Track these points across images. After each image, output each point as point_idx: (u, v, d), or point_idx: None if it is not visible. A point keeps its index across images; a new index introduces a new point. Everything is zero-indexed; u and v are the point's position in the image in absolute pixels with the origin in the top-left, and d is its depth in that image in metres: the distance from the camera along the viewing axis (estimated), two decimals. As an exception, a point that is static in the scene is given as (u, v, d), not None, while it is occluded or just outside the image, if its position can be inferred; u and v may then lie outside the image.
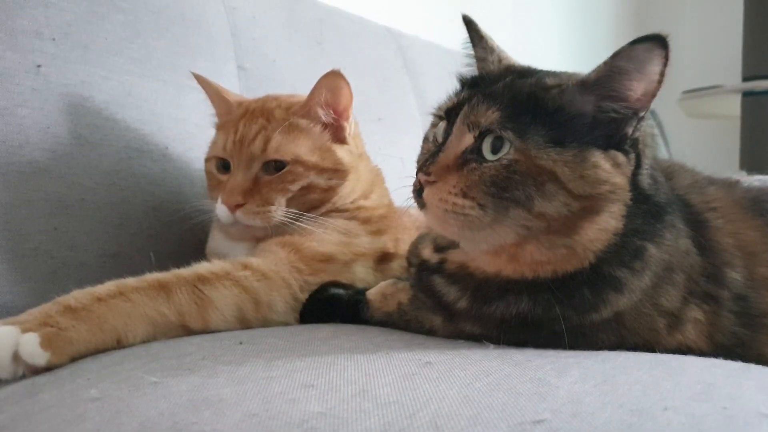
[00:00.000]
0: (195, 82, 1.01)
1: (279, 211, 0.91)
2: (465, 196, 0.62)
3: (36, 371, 0.63)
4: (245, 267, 0.82)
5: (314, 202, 0.95)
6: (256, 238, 0.93)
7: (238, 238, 0.96)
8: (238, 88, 1.21)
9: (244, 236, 0.94)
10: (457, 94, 0.71)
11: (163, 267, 0.78)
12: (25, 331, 0.62)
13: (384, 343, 0.65)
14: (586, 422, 0.44)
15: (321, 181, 0.94)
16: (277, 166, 0.92)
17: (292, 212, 0.91)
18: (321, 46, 1.43)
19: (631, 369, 0.56)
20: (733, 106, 2.59)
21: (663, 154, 2.25)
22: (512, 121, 0.62)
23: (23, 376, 0.63)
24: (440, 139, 0.68)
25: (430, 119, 0.74)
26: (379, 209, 1.00)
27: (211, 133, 1.01)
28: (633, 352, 0.64)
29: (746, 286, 0.70)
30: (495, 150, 0.63)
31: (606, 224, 0.63)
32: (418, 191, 0.65)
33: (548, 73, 0.69)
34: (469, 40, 0.77)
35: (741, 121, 2.56)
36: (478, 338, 0.68)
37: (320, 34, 1.44)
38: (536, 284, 0.65)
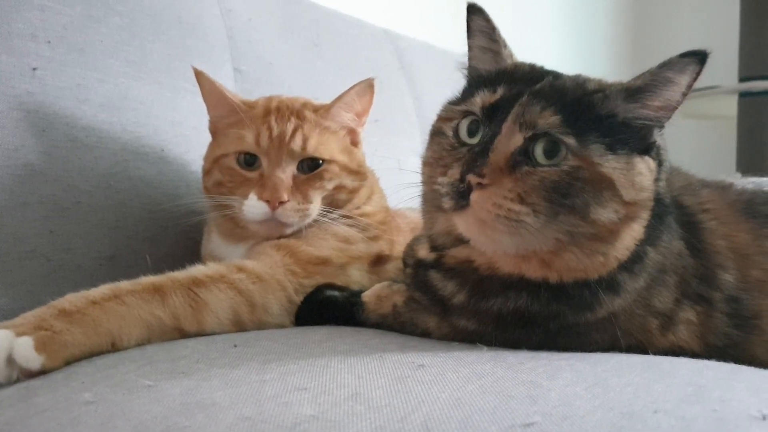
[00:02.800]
0: (191, 84, 1.01)
1: (315, 209, 0.92)
2: (522, 201, 0.59)
3: (30, 375, 0.63)
4: (240, 270, 0.82)
5: (340, 203, 0.96)
6: (274, 237, 0.93)
7: (244, 237, 0.95)
8: (235, 90, 1.21)
9: (272, 234, 0.92)
10: (488, 89, 0.66)
11: (159, 269, 0.78)
12: (19, 334, 0.62)
13: (378, 345, 0.66)
14: (576, 425, 0.44)
15: (348, 182, 0.97)
16: (311, 165, 0.93)
17: (325, 210, 0.93)
18: (318, 48, 1.43)
19: (623, 371, 0.57)
20: (730, 106, 2.60)
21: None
22: (571, 125, 0.61)
23: (18, 380, 0.63)
24: (477, 138, 0.64)
25: (437, 114, 0.72)
26: (378, 214, 1.01)
27: (208, 135, 1.01)
28: (625, 355, 0.64)
29: (739, 288, 0.70)
30: (550, 154, 0.61)
31: (638, 232, 0.64)
32: (461, 193, 0.61)
33: (577, 77, 0.68)
34: (478, 29, 0.72)
35: (738, 121, 2.56)
36: (471, 335, 0.68)
37: (317, 36, 1.45)
38: (540, 283, 0.65)
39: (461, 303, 0.69)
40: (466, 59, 0.74)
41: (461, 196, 0.61)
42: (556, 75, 0.68)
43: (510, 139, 0.61)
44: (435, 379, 0.53)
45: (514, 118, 0.62)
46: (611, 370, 0.57)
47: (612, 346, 0.66)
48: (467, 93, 0.69)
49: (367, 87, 0.98)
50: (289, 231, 0.92)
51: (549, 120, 0.61)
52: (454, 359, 0.60)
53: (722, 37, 2.62)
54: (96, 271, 0.95)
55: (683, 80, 0.62)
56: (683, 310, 0.68)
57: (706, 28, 2.93)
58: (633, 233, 0.63)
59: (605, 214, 0.60)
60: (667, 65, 0.62)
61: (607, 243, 0.62)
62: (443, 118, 0.70)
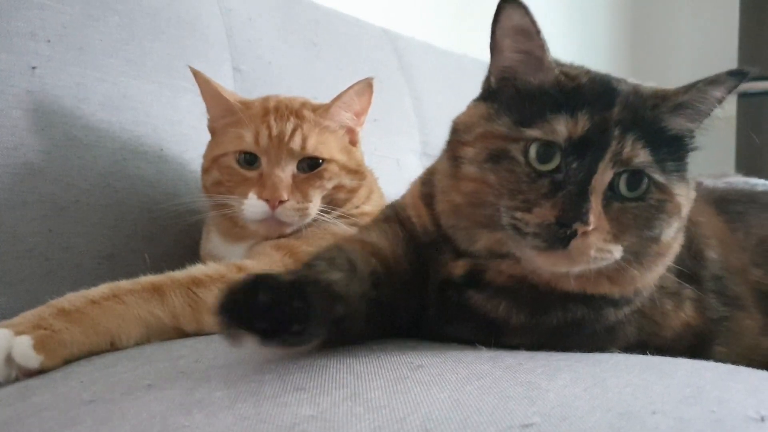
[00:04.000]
0: (191, 84, 1.01)
1: (315, 208, 0.92)
2: (616, 240, 0.59)
3: (29, 374, 0.63)
4: (240, 269, 0.82)
5: (340, 202, 0.96)
6: (274, 237, 0.93)
7: (243, 237, 0.95)
8: (234, 89, 1.21)
9: (272, 234, 0.92)
10: (566, 114, 0.60)
11: (158, 268, 0.78)
12: (18, 333, 0.63)
13: (376, 346, 0.65)
14: (574, 426, 0.44)
15: (347, 181, 0.97)
16: (311, 164, 0.93)
17: (325, 210, 0.93)
18: (317, 47, 1.43)
19: (622, 372, 0.57)
20: (729, 107, 2.59)
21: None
22: (655, 156, 0.60)
23: (17, 379, 0.63)
24: (551, 165, 0.60)
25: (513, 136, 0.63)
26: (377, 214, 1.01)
27: (207, 134, 1.01)
28: (624, 355, 0.64)
29: (722, 268, 0.73)
30: (632, 187, 0.60)
31: (681, 240, 0.66)
32: (559, 238, 0.58)
33: (637, 88, 0.65)
34: (516, 27, 0.64)
35: (736, 122, 2.56)
36: (515, 348, 0.66)
37: (316, 36, 1.45)
38: (598, 294, 0.65)
39: (521, 323, 0.66)
40: (519, 54, 0.66)
41: (559, 241, 0.58)
42: (621, 90, 0.64)
43: (603, 177, 0.59)
44: (434, 380, 0.53)
45: (611, 156, 0.59)
46: (610, 370, 0.57)
47: (637, 336, 0.68)
48: (527, 111, 0.63)
49: (366, 86, 0.98)
50: (289, 230, 0.92)
51: (642, 157, 0.60)
52: (452, 360, 0.60)
53: (721, 37, 2.63)
54: (95, 270, 0.95)
55: (723, 96, 0.63)
56: (684, 288, 0.70)
57: (706, 28, 2.94)
58: (679, 242, 0.66)
59: (671, 234, 0.63)
60: (715, 83, 0.62)
61: (665, 257, 0.65)
62: (506, 137, 0.62)
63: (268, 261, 0.86)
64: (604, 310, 0.66)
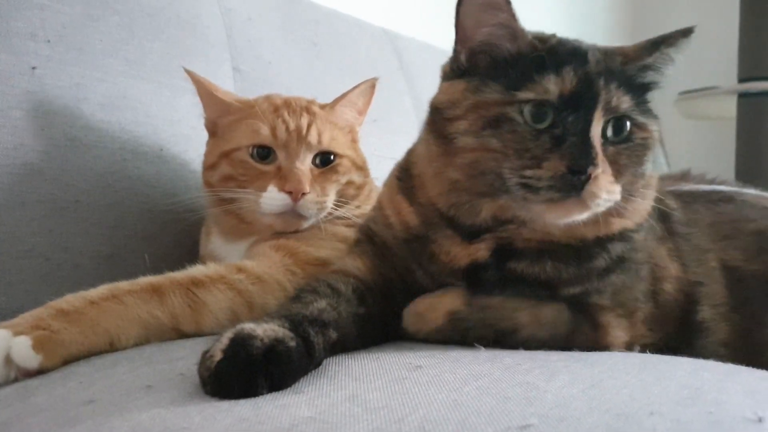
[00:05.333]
0: (190, 84, 1.01)
1: (330, 202, 0.94)
2: (616, 181, 0.64)
3: (28, 374, 0.63)
4: (240, 270, 0.82)
5: (349, 197, 0.98)
6: (283, 234, 0.93)
7: (247, 233, 0.95)
8: (234, 89, 1.21)
9: (288, 227, 0.93)
10: (551, 74, 0.64)
11: (157, 269, 0.78)
12: (17, 334, 0.63)
13: (375, 347, 0.66)
14: (572, 427, 0.44)
15: (356, 177, 0.99)
16: (324, 159, 0.95)
17: (337, 205, 0.94)
18: (317, 47, 1.43)
19: (620, 373, 0.57)
20: (729, 107, 2.59)
21: (659, 156, 2.26)
22: (636, 102, 0.67)
23: (16, 380, 0.63)
24: (545, 123, 0.64)
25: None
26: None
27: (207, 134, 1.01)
28: (622, 356, 0.64)
29: (686, 224, 0.80)
30: (617, 131, 0.66)
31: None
32: (573, 185, 0.62)
33: (599, 47, 0.71)
34: (493, 3, 0.67)
35: (737, 122, 2.56)
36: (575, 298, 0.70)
37: (316, 36, 1.45)
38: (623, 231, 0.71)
39: (574, 274, 0.69)
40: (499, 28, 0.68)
41: (572, 188, 0.62)
42: (588, 48, 0.69)
43: (598, 125, 0.64)
44: (432, 381, 0.53)
45: (603, 106, 0.64)
46: (608, 371, 0.57)
47: (651, 281, 0.74)
48: (513, 76, 0.66)
49: (370, 87, 1.01)
50: (305, 225, 0.93)
51: (626, 103, 0.66)
52: (451, 360, 0.60)
53: (721, 37, 2.62)
54: (94, 271, 0.95)
55: (677, 56, 0.70)
56: (666, 238, 0.78)
57: (706, 28, 2.92)
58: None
59: (650, 167, 0.69)
60: (673, 45, 0.69)
61: (652, 188, 0.71)
62: (501, 102, 0.65)
63: (268, 262, 0.86)
64: (633, 240, 0.71)
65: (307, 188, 0.90)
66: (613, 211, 0.67)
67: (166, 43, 1.11)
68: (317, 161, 0.95)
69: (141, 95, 1.05)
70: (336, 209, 0.94)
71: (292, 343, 0.55)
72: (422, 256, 0.73)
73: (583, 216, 0.65)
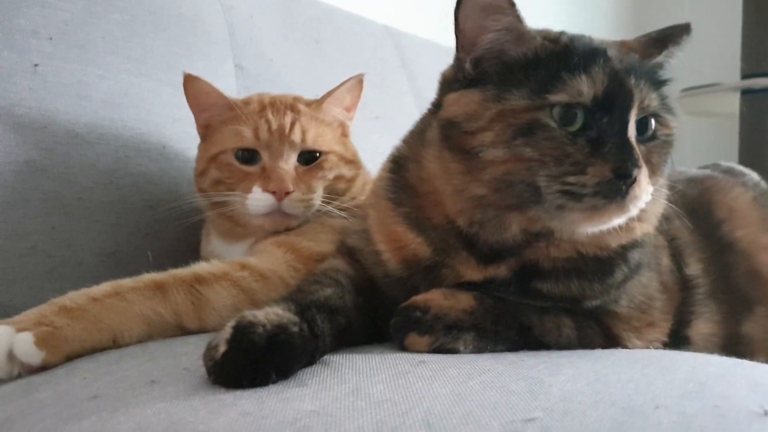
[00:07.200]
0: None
1: (318, 199, 0.93)
2: (651, 180, 0.63)
3: (31, 370, 0.63)
4: (243, 267, 0.82)
5: (339, 192, 0.97)
6: (275, 233, 0.93)
7: (243, 235, 0.95)
8: (236, 87, 1.21)
9: (277, 227, 0.92)
10: (583, 75, 0.61)
11: (160, 266, 0.78)
12: (20, 330, 0.63)
13: (378, 342, 0.66)
14: (577, 420, 0.44)
15: (346, 171, 0.98)
16: (310, 157, 0.95)
17: (326, 200, 0.94)
18: (318, 44, 1.43)
19: (624, 368, 0.57)
20: (732, 103, 2.59)
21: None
22: (662, 100, 0.66)
23: (19, 376, 0.64)
24: (576, 126, 0.61)
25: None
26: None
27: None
28: (626, 351, 0.64)
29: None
30: (642, 129, 0.64)
31: None
32: (619, 190, 0.59)
33: (615, 42, 0.70)
34: (498, 7, 0.63)
35: (740, 118, 2.56)
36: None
37: (318, 33, 1.44)
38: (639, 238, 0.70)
39: (598, 290, 0.68)
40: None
41: (619, 193, 0.59)
42: (603, 44, 0.67)
43: (633, 125, 0.62)
44: (436, 375, 0.53)
45: (637, 107, 0.63)
46: (612, 366, 0.57)
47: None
48: (539, 79, 0.62)
49: (357, 83, 1.01)
50: (294, 223, 0.93)
51: (656, 101, 0.64)
52: (454, 355, 0.60)
53: (724, 33, 2.62)
54: (97, 268, 0.95)
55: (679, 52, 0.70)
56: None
57: (709, 24, 2.92)
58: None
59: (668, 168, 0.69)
60: (679, 43, 0.70)
61: (665, 187, 0.70)
62: (531, 108, 0.61)
63: (271, 258, 0.86)
64: (647, 245, 0.71)
65: (291, 187, 0.89)
66: (636, 216, 0.64)
67: (168, 40, 1.11)
68: (303, 159, 0.94)
69: (143, 93, 1.05)
70: (326, 204, 0.94)
71: (295, 329, 0.55)
72: (425, 285, 0.68)
73: (621, 220, 0.62)
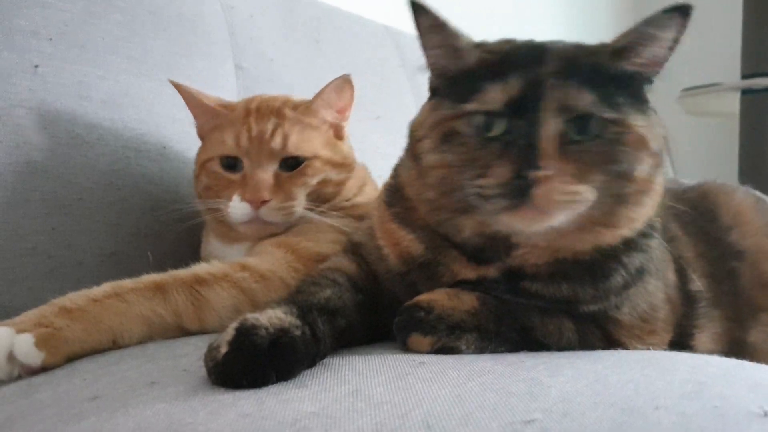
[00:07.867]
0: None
1: (300, 206, 0.92)
2: (581, 180, 0.60)
3: (32, 371, 0.63)
4: (243, 268, 0.82)
5: (327, 196, 0.96)
6: (264, 237, 0.93)
7: (239, 238, 0.95)
8: (236, 87, 1.21)
9: (260, 234, 0.92)
10: (497, 81, 0.63)
11: (161, 266, 0.78)
12: (20, 331, 0.63)
13: (378, 343, 0.66)
14: (576, 421, 0.44)
15: (334, 175, 0.97)
16: (293, 162, 0.93)
17: (310, 207, 0.93)
18: (319, 44, 1.43)
19: (624, 368, 0.57)
20: (732, 103, 2.58)
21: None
22: (600, 95, 0.62)
23: (19, 377, 0.64)
24: (496, 131, 0.62)
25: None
26: (371, 205, 1.01)
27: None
28: (625, 352, 0.64)
29: None
30: (582, 130, 0.61)
31: (662, 180, 0.67)
32: (519, 190, 0.59)
33: (570, 43, 0.68)
34: (430, 27, 0.70)
35: (740, 118, 2.55)
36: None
37: (318, 33, 1.44)
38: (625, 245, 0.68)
39: (591, 295, 0.67)
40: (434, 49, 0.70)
41: (519, 194, 0.59)
42: (552, 47, 0.66)
43: (551, 126, 0.61)
44: (436, 377, 0.53)
45: (550, 106, 0.61)
46: (611, 367, 0.57)
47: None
48: (462, 90, 0.65)
49: (344, 83, 0.97)
50: (277, 230, 0.92)
51: (586, 100, 0.62)
52: (454, 357, 0.60)
53: (725, 33, 2.62)
54: (97, 269, 0.95)
55: (669, 35, 0.64)
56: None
57: (708, 23, 2.91)
58: (660, 179, 0.67)
59: (645, 169, 0.63)
60: (655, 24, 0.64)
61: (648, 194, 0.65)
62: (451, 117, 0.65)
63: (271, 259, 0.86)
64: (650, 249, 0.70)
65: (267, 196, 0.89)
66: (598, 220, 0.63)
67: (168, 40, 1.11)
68: (287, 165, 0.92)
69: (143, 93, 1.05)
70: (311, 210, 0.92)
71: (297, 332, 0.55)
72: (423, 282, 0.70)
73: (552, 221, 0.61)
